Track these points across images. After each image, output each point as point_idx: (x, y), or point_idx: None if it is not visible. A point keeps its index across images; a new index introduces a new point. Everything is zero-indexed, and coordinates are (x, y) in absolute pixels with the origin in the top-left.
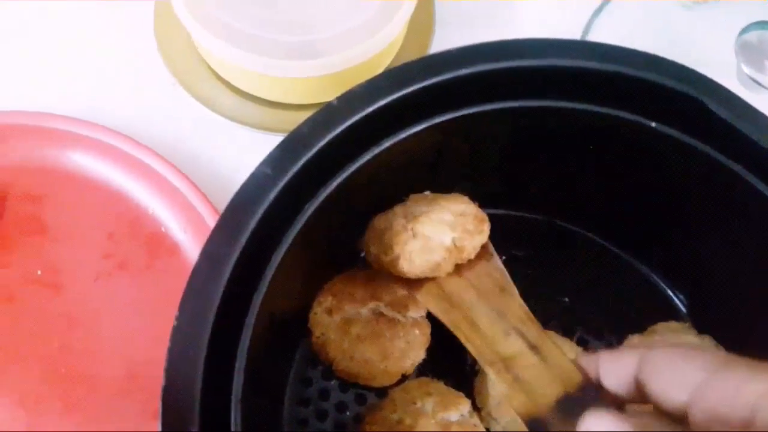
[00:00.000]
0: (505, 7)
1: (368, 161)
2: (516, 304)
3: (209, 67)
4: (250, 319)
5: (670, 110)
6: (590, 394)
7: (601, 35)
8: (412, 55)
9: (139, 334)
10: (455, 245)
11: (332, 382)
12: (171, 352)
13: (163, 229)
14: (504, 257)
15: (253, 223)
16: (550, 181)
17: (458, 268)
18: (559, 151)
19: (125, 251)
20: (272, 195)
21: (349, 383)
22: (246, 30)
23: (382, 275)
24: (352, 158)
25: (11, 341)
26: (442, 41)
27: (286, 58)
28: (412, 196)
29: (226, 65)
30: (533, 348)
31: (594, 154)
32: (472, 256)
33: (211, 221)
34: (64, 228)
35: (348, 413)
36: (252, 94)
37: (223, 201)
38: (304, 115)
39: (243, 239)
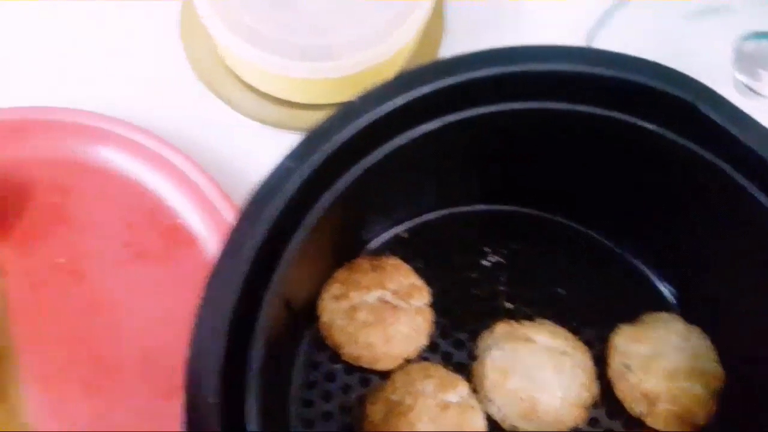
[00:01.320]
0: (512, 17)
1: (385, 156)
2: None
3: (229, 68)
4: (271, 299)
5: (663, 113)
6: None
7: (603, 44)
8: (423, 60)
9: (154, 322)
10: None
11: (337, 366)
12: (196, 326)
13: (179, 221)
14: (505, 251)
15: (274, 211)
16: (549, 179)
17: None
18: (559, 150)
19: (143, 241)
20: (293, 186)
21: (354, 366)
22: (267, 32)
23: (384, 263)
24: (368, 152)
25: (36, 327)
26: (451, 47)
27: (304, 60)
28: None
29: (245, 66)
30: None
31: (593, 154)
32: None
33: (227, 213)
34: (87, 218)
35: (352, 395)
36: (268, 94)
37: (239, 194)
38: (317, 114)
39: (265, 225)
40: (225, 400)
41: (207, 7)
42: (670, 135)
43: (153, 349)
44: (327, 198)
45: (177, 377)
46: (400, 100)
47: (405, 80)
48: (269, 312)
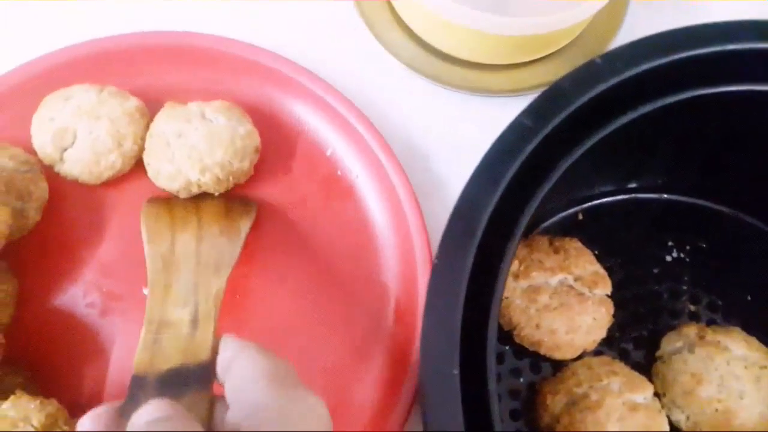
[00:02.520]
0: None
1: (623, 126)
2: (218, 285)
3: (396, 16)
4: (505, 266)
5: None
6: (199, 373)
7: None
8: (601, 32)
9: (310, 270)
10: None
11: (507, 348)
12: (431, 290)
13: (339, 172)
14: (689, 247)
15: (510, 173)
16: (752, 175)
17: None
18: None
19: (302, 189)
20: (531, 146)
21: (525, 351)
22: None
23: (567, 246)
24: (610, 119)
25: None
26: (634, 20)
27: (483, 10)
28: None
29: (415, 13)
30: (194, 323)
31: None
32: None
33: (389, 165)
34: None
35: (522, 380)
36: (433, 47)
37: (398, 146)
38: (477, 74)
39: (500, 188)
40: (463, 372)
41: None
42: None
43: (305, 294)
44: (564, 164)
45: (324, 337)
46: (648, 66)
47: (654, 44)
48: (501, 285)
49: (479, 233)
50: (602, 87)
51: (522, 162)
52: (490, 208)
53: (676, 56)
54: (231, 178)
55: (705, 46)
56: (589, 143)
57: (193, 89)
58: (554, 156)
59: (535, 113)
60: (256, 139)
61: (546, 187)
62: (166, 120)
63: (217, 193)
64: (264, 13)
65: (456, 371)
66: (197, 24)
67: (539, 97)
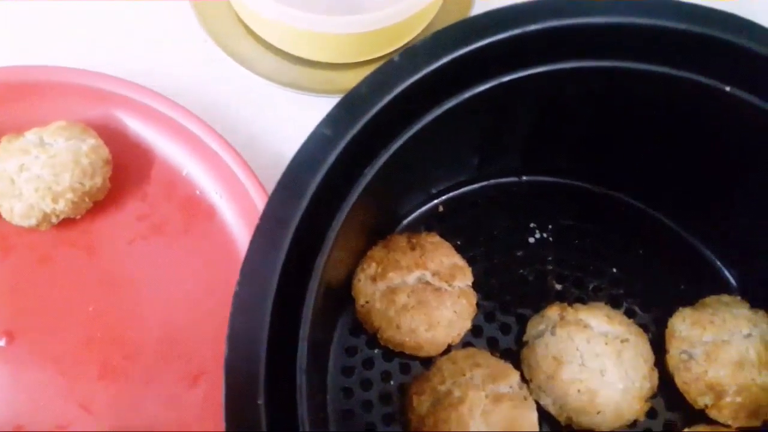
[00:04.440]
0: None
1: (430, 122)
2: None
3: (244, 25)
4: (313, 284)
5: (743, 72)
6: None
7: None
8: (453, 16)
9: (175, 299)
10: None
11: (376, 351)
12: (233, 320)
13: (198, 192)
14: (552, 227)
15: (314, 186)
16: (602, 148)
17: None
18: (616, 115)
19: (160, 214)
20: (332, 157)
21: (393, 352)
22: None
23: (424, 241)
24: (413, 119)
25: (47, 304)
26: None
27: (329, 14)
28: None
29: (262, 21)
30: None
31: (655, 120)
32: None
33: (249, 184)
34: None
35: (392, 382)
36: (287, 53)
37: (258, 162)
38: (337, 75)
39: (305, 202)
40: (271, 398)
41: None
42: (750, 98)
43: (173, 330)
44: (370, 169)
45: (198, 363)
46: (448, 58)
47: (452, 35)
48: (314, 302)
49: (283, 253)
50: (403, 85)
51: (326, 172)
52: (293, 226)
53: (475, 45)
54: (87, 199)
55: (502, 32)
56: (400, 141)
57: (36, 123)
58: (363, 161)
59: (334, 122)
60: (103, 152)
61: (353, 196)
62: (5, 156)
63: (78, 216)
64: (114, 41)
65: (261, 401)
66: (31, 56)
67: (337, 104)
